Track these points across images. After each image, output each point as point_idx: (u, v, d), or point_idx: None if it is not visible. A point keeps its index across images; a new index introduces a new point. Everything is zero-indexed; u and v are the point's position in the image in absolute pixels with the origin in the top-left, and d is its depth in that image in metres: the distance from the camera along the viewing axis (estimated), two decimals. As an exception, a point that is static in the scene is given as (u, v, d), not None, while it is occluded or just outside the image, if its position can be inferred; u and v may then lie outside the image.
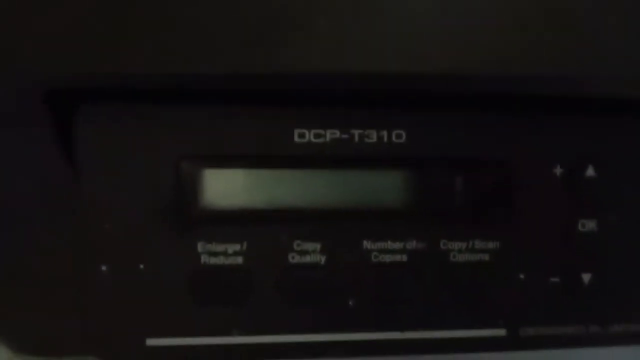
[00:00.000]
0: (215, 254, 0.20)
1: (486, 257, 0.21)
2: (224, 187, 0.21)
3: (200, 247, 0.20)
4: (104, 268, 0.20)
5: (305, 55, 0.18)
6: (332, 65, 0.18)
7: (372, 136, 0.21)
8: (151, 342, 0.20)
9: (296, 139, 0.20)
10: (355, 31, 0.18)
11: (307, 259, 0.21)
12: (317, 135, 0.21)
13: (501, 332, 0.22)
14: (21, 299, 0.29)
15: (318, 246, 0.21)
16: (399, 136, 0.21)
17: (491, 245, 0.21)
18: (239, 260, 0.20)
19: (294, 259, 0.21)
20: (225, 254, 0.20)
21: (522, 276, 0.21)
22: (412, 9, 0.19)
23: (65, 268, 0.22)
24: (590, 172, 0.21)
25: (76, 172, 0.20)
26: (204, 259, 0.20)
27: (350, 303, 0.21)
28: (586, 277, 0.22)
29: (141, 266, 0.20)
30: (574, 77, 0.20)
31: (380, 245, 0.21)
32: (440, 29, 0.19)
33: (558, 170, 0.21)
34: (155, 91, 0.19)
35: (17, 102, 0.18)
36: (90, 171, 0.20)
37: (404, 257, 0.21)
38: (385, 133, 0.21)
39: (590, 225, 0.21)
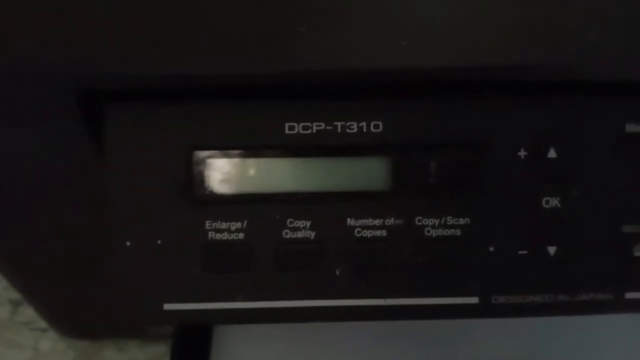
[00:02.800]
0: (220, 230, 0.24)
1: (458, 231, 0.24)
2: (228, 174, 0.24)
3: (208, 224, 0.24)
4: (128, 243, 0.24)
5: (296, 56, 0.22)
6: (318, 64, 0.22)
7: (353, 127, 0.24)
8: (168, 306, 0.24)
9: (287, 131, 0.24)
10: (339, 32, 0.21)
11: (299, 234, 0.24)
12: (305, 128, 0.24)
13: (474, 300, 0.24)
14: (64, 285, 0.33)
15: (308, 223, 0.24)
16: (376, 126, 0.24)
17: (462, 221, 0.24)
18: (241, 235, 0.24)
19: (288, 234, 0.24)
20: (229, 230, 0.24)
21: (492, 249, 0.24)
22: (387, 5, 0.21)
23: (96, 250, 0.26)
24: (552, 153, 0.24)
25: (104, 162, 0.24)
26: (211, 235, 0.24)
27: (337, 272, 0.24)
28: (552, 250, 0.24)
29: (159, 241, 0.24)
30: (538, 65, 0.22)
31: (363, 222, 0.24)
32: (410, 24, 0.22)
33: (522, 153, 0.24)
34: (169, 92, 0.23)
35: (51, 101, 0.22)
36: (116, 161, 0.24)
37: (384, 233, 0.24)
38: (364, 124, 0.24)
39: (553, 201, 0.24)
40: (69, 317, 0.37)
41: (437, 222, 0.24)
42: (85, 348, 0.39)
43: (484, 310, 0.24)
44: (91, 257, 0.26)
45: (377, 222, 0.24)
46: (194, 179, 0.24)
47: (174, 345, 0.34)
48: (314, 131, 0.24)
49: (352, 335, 0.32)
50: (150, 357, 0.39)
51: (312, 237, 0.24)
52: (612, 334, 0.32)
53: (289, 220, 0.24)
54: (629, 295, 0.24)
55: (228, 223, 0.24)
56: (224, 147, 0.24)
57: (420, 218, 0.24)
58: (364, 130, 0.24)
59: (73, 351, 0.39)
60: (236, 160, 0.24)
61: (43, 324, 0.39)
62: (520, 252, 0.24)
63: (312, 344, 0.32)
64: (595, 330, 0.32)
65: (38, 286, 0.34)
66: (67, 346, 0.39)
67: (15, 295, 0.41)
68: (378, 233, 0.24)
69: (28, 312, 0.40)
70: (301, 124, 0.24)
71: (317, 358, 0.32)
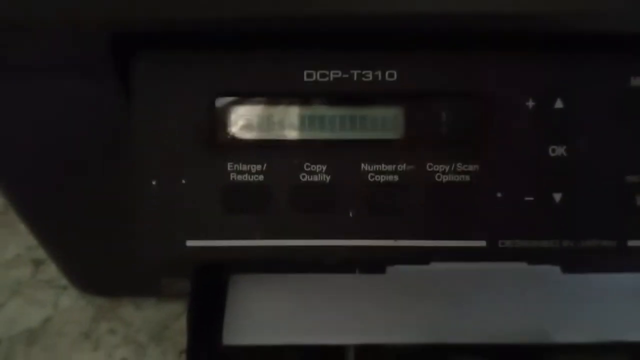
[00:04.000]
0: (241, 172, 0.25)
1: (467, 178, 0.25)
2: (248, 119, 0.25)
3: (229, 166, 0.25)
4: (154, 182, 0.25)
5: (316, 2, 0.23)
6: (336, 10, 0.23)
7: (369, 75, 0.25)
8: (190, 243, 0.25)
9: (305, 78, 0.25)
10: None
11: (315, 178, 0.25)
12: (322, 75, 0.25)
13: (482, 243, 0.25)
14: (88, 237, 0.34)
15: (324, 167, 0.25)
16: (391, 75, 0.25)
17: (471, 167, 0.25)
18: (260, 178, 0.25)
19: (304, 177, 0.25)
20: (249, 172, 0.25)
21: (499, 195, 0.25)
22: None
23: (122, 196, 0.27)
24: (558, 104, 0.25)
25: (132, 107, 0.25)
26: (232, 176, 0.25)
27: (351, 214, 0.25)
28: (557, 196, 0.25)
29: (183, 181, 0.25)
30: (546, 15, 0.23)
31: (376, 167, 0.25)
32: None
33: (530, 103, 0.25)
34: (196, 40, 0.25)
35: (83, 48, 0.23)
36: (143, 106, 0.25)
37: (396, 177, 0.25)
38: (379, 72, 0.25)
39: (559, 150, 0.25)
40: (88, 274, 0.38)
41: (447, 169, 0.25)
42: (104, 306, 0.41)
43: (491, 254, 0.25)
44: (113, 213, 0.28)
45: (389, 167, 0.25)
46: (216, 123, 0.25)
47: (190, 303, 0.35)
48: (331, 79, 0.25)
49: (364, 293, 0.33)
50: (167, 315, 0.40)
51: (327, 181, 0.25)
52: (622, 306, 0.32)
53: (305, 164, 0.25)
54: (631, 243, 0.25)
55: (248, 165, 0.25)
56: (245, 93, 0.25)
57: (431, 164, 0.25)
58: (379, 78, 0.25)
59: (92, 307, 0.40)
60: (256, 106, 0.25)
61: (63, 281, 0.41)
62: (526, 199, 0.24)
63: (323, 304, 0.33)
64: (604, 302, 0.32)
65: (62, 240, 0.35)
66: (87, 303, 0.41)
67: (37, 254, 0.42)
68: (390, 178, 0.25)
69: (50, 270, 0.42)
70: (319, 72, 0.25)
71: (328, 314, 0.33)
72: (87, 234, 0.34)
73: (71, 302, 0.41)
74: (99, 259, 0.36)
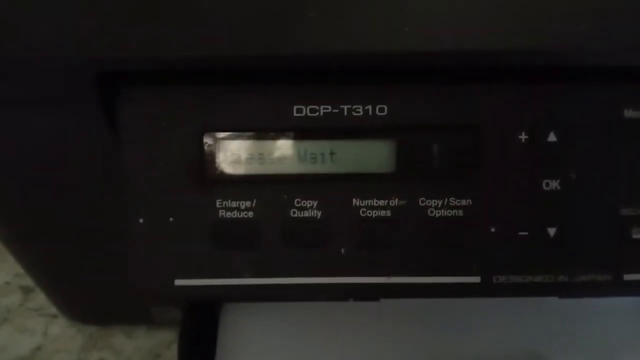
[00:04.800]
0: (230, 209, 0.25)
1: (460, 212, 0.24)
2: (237, 155, 0.25)
3: (218, 203, 0.25)
4: (141, 221, 0.25)
5: (304, 39, 0.22)
6: (325, 48, 0.23)
7: (359, 110, 0.25)
8: (179, 282, 0.25)
9: (295, 113, 0.25)
10: (346, 17, 0.22)
11: (306, 213, 0.25)
12: (312, 110, 0.25)
13: (476, 279, 0.25)
14: (75, 268, 0.34)
15: (315, 203, 0.25)
16: (381, 109, 0.25)
17: (464, 202, 0.24)
18: (250, 214, 0.25)
19: (295, 213, 0.25)
20: (238, 209, 0.25)
21: (493, 229, 0.24)
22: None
23: (109, 231, 0.26)
24: (552, 137, 0.24)
25: (119, 142, 0.25)
26: (221, 213, 0.25)
27: (343, 251, 0.25)
28: (552, 231, 0.24)
29: (171, 219, 0.25)
30: (541, 51, 0.23)
31: (367, 202, 0.25)
32: (414, 9, 0.22)
33: (523, 137, 0.24)
34: (183, 75, 0.24)
35: (68, 83, 0.23)
36: (131, 142, 0.25)
37: (388, 213, 0.24)
38: (370, 107, 0.25)
39: (553, 184, 0.24)
40: (78, 302, 0.38)
41: (439, 203, 0.24)
42: (94, 334, 0.40)
43: (485, 290, 0.24)
44: (103, 238, 0.27)
45: (381, 202, 0.24)
46: (205, 159, 0.25)
47: (181, 331, 0.34)
48: (321, 114, 0.24)
49: (359, 321, 0.32)
50: (158, 343, 0.39)
51: (318, 217, 0.24)
52: (617, 328, 0.32)
53: (296, 200, 0.24)
54: (627, 277, 0.24)
55: (237, 202, 0.25)
56: (234, 128, 0.25)
57: (424, 199, 0.24)
58: (370, 113, 0.24)
59: (82, 337, 0.40)
60: (246, 141, 0.25)
61: (53, 310, 0.40)
62: (520, 233, 0.24)
63: (317, 333, 0.33)
64: (599, 324, 0.32)
65: (50, 271, 0.34)
66: (77, 332, 0.40)
67: (26, 282, 0.42)
68: (382, 213, 0.24)
69: (39, 298, 0.41)
70: (309, 107, 0.24)
71: (323, 343, 0.32)
72: (76, 264, 0.33)
73: (61, 330, 0.41)
74: (89, 287, 0.35)
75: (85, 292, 0.36)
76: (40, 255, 0.33)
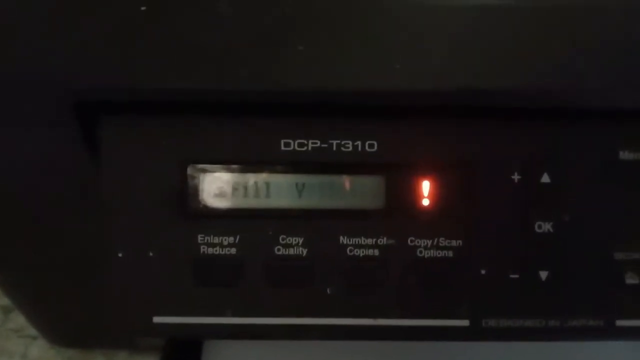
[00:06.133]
0: (212, 244, 0.24)
1: (450, 253, 0.24)
2: (221, 188, 0.24)
3: (200, 238, 0.24)
4: (120, 255, 0.24)
5: (293, 74, 0.22)
6: (314, 84, 0.22)
7: (349, 145, 0.24)
8: (157, 319, 0.24)
9: (282, 147, 0.24)
10: (336, 53, 0.22)
11: (291, 251, 0.24)
12: (300, 144, 0.24)
13: (465, 322, 0.24)
14: (54, 292, 0.33)
15: (300, 240, 0.24)
16: (371, 146, 0.24)
17: (455, 243, 0.24)
18: (233, 250, 0.24)
19: (279, 250, 0.24)
20: (221, 245, 0.24)
21: (483, 271, 0.24)
22: (385, 29, 0.22)
23: (88, 259, 0.26)
24: (545, 178, 0.24)
25: (98, 172, 0.24)
26: (203, 249, 0.24)
27: (328, 291, 0.24)
28: (543, 274, 0.24)
29: (150, 254, 0.24)
30: (534, 91, 0.22)
31: (355, 240, 0.24)
32: (405, 47, 0.22)
33: (516, 177, 0.24)
34: (165, 105, 0.23)
35: (47, 110, 0.22)
36: (111, 171, 0.24)
37: (376, 252, 0.24)
38: (359, 143, 0.24)
39: (546, 226, 0.24)
40: (58, 325, 0.37)
41: (429, 243, 0.24)
42: (74, 357, 0.39)
43: (474, 334, 0.24)
44: (82, 265, 0.26)
45: (369, 241, 0.24)
46: (187, 192, 0.24)
47: (163, 357, 0.34)
48: (310, 148, 0.24)
49: (344, 353, 0.32)
50: (140, 368, 0.38)
51: (304, 254, 0.24)
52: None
53: (281, 236, 0.24)
54: (620, 322, 0.24)
55: (220, 237, 0.24)
56: (218, 161, 0.24)
57: (413, 238, 0.24)
58: (359, 149, 0.24)
59: (62, 359, 0.39)
60: (230, 174, 0.24)
61: (33, 331, 0.39)
62: (511, 276, 0.24)
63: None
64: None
65: (28, 294, 0.33)
66: (56, 354, 0.39)
67: (5, 301, 0.40)
68: (370, 252, 0.24)
69: (18, 319, 0.40)
70: (297, 141, 0.24)
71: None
72: (55, 288, 0.32)
73: (41, 352, 0.39)
74: (69, 310, 0.34)
75: (66, 315, 0.35)
76: (19, 279, 0.32)
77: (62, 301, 0.33)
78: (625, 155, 0.24)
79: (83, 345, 0.39)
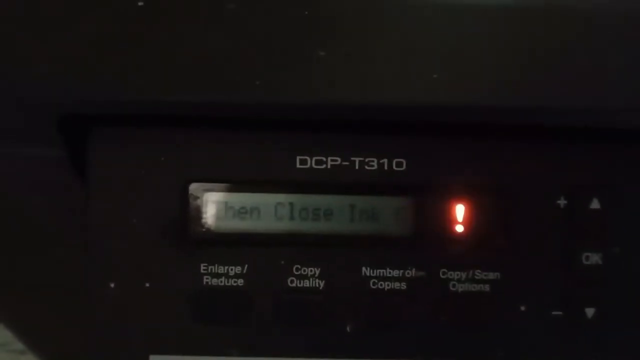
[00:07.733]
0: (217, 275, 0.21)
1: (487, 287, 0.21)
2: (228, 211, 0.21)
3: (202, 268, 0.21)
4: (112, 285, 0.21)
5: (309, 86, 0.19)
6: (334, 97, 0.19)
7: (373, 163, 0.21)
8: (154, 358, 0.21)
9: (298, 165, 0.21)
10: (355, 64, 0.19)
11: (306, 283, 0.21)
12: (318, 162, 0.21)
13: (502, 364, 0.21)
14: (48, 311, 0.30)
15: (317, 271, 0.21)
16: (399, 164, 0.21)
17: (492, 275, 0.21)
18: (240, 282, 0.21)
19: (293, 282, 0.21)
20: (226, 275, 0.21)
21: (523, 308, 0.21)
22: (409, 41, 0.19)
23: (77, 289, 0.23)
24: (595, 204, 0.21)
25: (86, 192, 0.21)
26: (206, 279, 0.21)
27: (348, 329, 0.21)
28: (590, 312, 0.21)
29: (147, 284, 0.21)
30: (581, 108, 0.20)
31: (379, 272, 0.21)
32: (439, 61, 0.19)
33: (562, 202, 0.21)
34: (164, 117, 0.20)
35: (31, 125, 0.20)
36: (101, 192, 0.21)
37: (403, 285, 0.21)
38: (385, 161, 0.21)
39: (594, 258, 0.21)
40: (46, 341, 0.35)
41: (463, 276, 0.21)
42: (62, 375, 0.37)
43: (511, 377, 0.21)
44: (70, 295, 0.24)
45: (395, 272, 0.21)
46: (188, 215, 0.21)
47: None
48: (329, 166, 0.21)
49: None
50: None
51: (320, 287, 0.21)
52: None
53: (295, 266, 0.21)
54: (673, 366, 0.21)
55: (226, 267, 0.21)
56: (224, 180, 0.21)
57: (445, 270, 0.21)
58: (385, 167, 0.21)
59: (49, 377, 0.36)
60: (238, 195, 0.21)
61: (20, 345, 0.37)
62: (554, 313, 0.21)
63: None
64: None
65: (18, 313, 0.31)
66: (43, 371, 0.37)
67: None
68: (396, 285, 0.21)
69: (5, 334, 0.38)
70: (314, 158, 0.21)
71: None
72: (45, 306, 0.30)
73: (27, 368, 0.37)
74: (58, 328, 0.32)
75: (54, 332, 0.33)
76: (6, 302, 0.30)
77: (52, 319, 0.31)
78: (684, 179, 0.21)
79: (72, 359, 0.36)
